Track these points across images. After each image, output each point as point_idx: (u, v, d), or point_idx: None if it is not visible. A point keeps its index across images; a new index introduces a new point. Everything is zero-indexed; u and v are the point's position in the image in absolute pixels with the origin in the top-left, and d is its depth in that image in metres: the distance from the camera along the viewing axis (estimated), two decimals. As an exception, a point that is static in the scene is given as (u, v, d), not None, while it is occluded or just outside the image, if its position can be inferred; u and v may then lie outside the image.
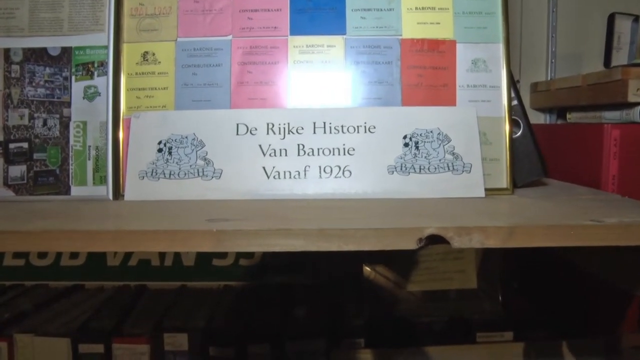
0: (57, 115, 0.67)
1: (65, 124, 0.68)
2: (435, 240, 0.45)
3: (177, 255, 0.96)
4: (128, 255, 0.96)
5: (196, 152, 0.64)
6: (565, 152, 0.79)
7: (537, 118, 0.96)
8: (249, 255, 0.95)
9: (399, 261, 0.83)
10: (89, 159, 0.67)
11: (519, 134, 0.71)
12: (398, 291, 0.82)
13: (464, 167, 0.63)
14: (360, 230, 0.45)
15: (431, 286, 0.81)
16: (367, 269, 0.86)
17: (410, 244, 0.45)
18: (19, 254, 0.96)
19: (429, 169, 0.63)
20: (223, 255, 0.96)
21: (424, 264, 0.82)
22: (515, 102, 0.70)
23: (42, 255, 0.97)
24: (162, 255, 0.96)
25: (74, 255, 0.97)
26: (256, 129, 0.65)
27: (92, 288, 0.97)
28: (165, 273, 0.96)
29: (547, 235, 0.46)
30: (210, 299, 0.89)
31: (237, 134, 0.65)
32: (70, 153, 0.67)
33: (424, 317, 0.79)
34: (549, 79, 0.96)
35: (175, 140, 0.65)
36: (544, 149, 0.70)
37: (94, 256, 0.96)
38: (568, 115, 0.87)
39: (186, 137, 0.65)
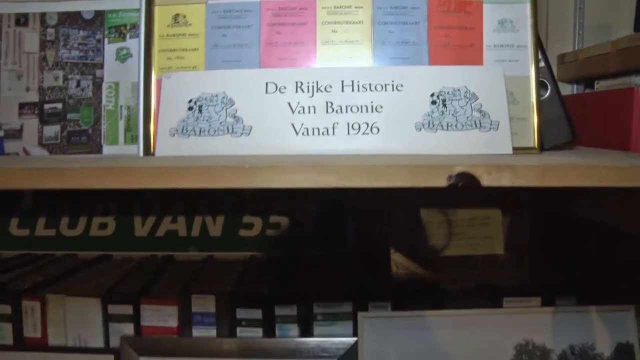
0: (90, 77, 0.69)
1: (98, 85, 0.69)
2: (465, 177, 0.46)
3: (203, 225, 0.97)
4: (156, 226, 0.98)
5: (226, 110, 0.65)
6: (593, 120, 0.79)
7: (565, 90, 0.95)
8: (276, 225, 0.96)
9: (427, 227, 0.83)
10: (121, 119, 0.69)
11: (546, 95, 0.70)
12: (425, 257, 0.82)
13: (491, 124, 0.63)
14: (392, 166, 0.45)
15: (458, 252, 0.81)
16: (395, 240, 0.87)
17: (441, 181, 0.46)
18: (50, 224, 0.98)
19: (456, 126, 0.63)
20: (249, 226, 0.97)
21: (451, 230, 0.82)
22: (542, 64, 0.70)
23: (72, 225, 0.99)
24: (189, 225, 0.97)
25: (102, 225, 0.99)
26: (285, 88, 0.65)
27: (119, 258, 0.98)
28: (192, 243, 0.97)
29: (578, 175, 0.46)
30: (237, 268, 0.90)
31: (267, 92, 0.65)
32: (103, 113, 0.69)
33: (451, 283, 0.79)
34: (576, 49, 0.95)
35: (205, 99, 0.66)
36: (572, 119, 0.70)
37: (122, 226, 0.98)
38: (596, 85, 0.86)
39: (216, 96, 0.66)
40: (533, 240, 0.89)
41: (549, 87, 0.70)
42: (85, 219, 0.99)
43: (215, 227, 0.97)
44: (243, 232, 0.97)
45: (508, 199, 0.88)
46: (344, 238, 0.95)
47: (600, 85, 0.84)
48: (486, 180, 0.46)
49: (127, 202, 0.98)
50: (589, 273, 0.82)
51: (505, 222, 0.83)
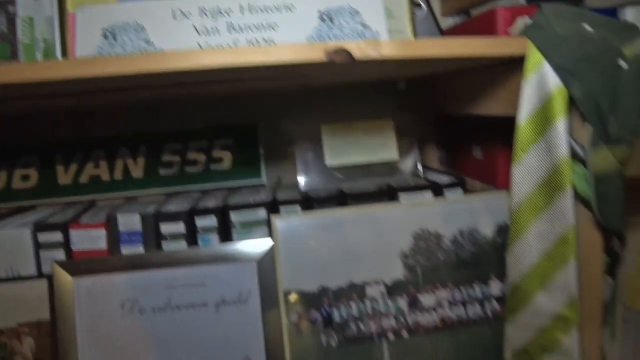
0: (4, 13, 0.74)
1: (12, 21, 0.74)
2: (340, 53, 0.56)
3: (125, 169, 1.03)
4: (79, 173, 1.03)
5: (138, 36, 0.72)
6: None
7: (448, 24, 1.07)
8: (193, 162, 1.03)
9: (328, 138, 0.93)
10: (39, 52, 0.74)
11: (423, 15, 0.82)
12: (328, 165, 0.92)
13: (373, 34, 0.73)
14: (280, 46, 0.54)
15: (358, 160, 0.92)
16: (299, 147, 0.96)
17: (320, 56, 0.55)
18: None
19: (342, 37, 0.73)
20: (169, 164, 1.04)
21: (350, 140, 0.92)
22: (418, -10, 0.81)
23: (-7, 179, 1.02)
24: (111, 170, 1.03)
25: (25, 178, 1.02)
26: (191, 13, 0.73)
27: (44, 207, 1.02)
28: (116, 186, 1.03)
29: (436, 47, 0.57)
30: (158, 203, 0.97)
31: (175, 19, 0.73)
32: (20, 47, 0.74)
33: (352, 187, 0.89)
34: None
35: (119, 27, 0.73)
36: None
37: (45, 177, 1.02)
38: (472, 12, 0.98)
39: (129, 24, 0.73)
40: (424, 143, 1.01)
41: (423, 7, 0.82)
42: (6, 172, 1.02)
43: (137, 168, 1.03)
44: (163, 172, 1.03)
45: (399, 108, 1.00)
46: (259, 170, 1.04)
47: (474, 13, 0.96)
48: (358, 54, 0.56)
49: (49, 153, 1.02)
50: (473, 167, 0.95)
51: (399, 130, 0.94)
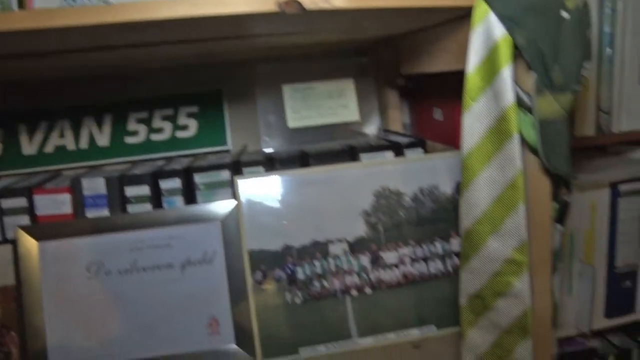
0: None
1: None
2: (291, 4, 0.57)
3: (91, 137, 1.03)
4: (44, 143, 1.03)
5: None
6: None
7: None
8: (159, 130, 1.04)
9: (289, 99, 0.94)
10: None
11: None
12: (289, 127, 0.93)
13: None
14: (232, -5, 0.55)
15: (320, 121, 0.93)
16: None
17: (272, 7, 0.56)
18: None
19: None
20: (134, 133, 1.04)
21: (311, 102, 0.93)
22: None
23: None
24: (76, 138, 1.03)
25: (-12, 147, 1.02)
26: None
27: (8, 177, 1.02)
28: (81, 155, 1.03)
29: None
30: (124, 169, 0.97)
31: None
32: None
33: (314, 148, 0.91)
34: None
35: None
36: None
37: (9, 147, 1.02)
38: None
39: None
40: (385, 107, 1.03)
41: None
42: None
43: (102, 137, 1.03)
44: (129, 140, 1.04)
45: (359, 70, 1.01)
46: (224, 136, 1.05)
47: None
48: (308, 4, 0.57)
49: (12, 123, 1.02)
50: (434, 129, 0.97)
51: (360, 94, 0.96)
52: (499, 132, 0.62)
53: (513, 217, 0.63)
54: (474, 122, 0.63)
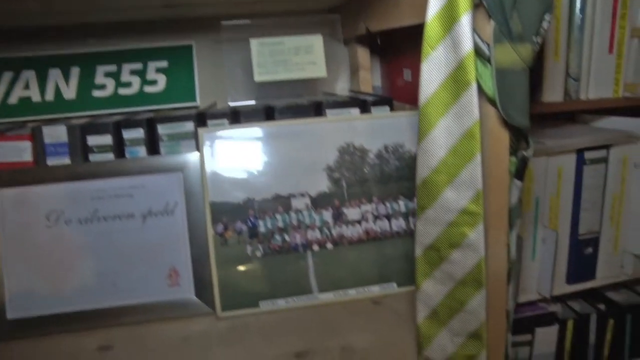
0: None
1: None
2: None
3: (57, 90, 1.02)
4: (7, 94, 1.01)
5: None
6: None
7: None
8: (127, 84, 1.02)
9: (256, 53, 0.93)
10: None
11: None
12: (256, 80, 0.92)
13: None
14: None
15: (286, 76, 0.93)
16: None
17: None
18: None
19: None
20: (102, 86, 1.02)
21: (279, 57, 0.93)
22: None
23: None
24: (42, 90, 1.01)
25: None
26: None
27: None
28: (47, 108, 1.02)
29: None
30: (90, 119, 0.96)
31: None
32: None
33: (280, 102, 0.90)
34: None
35: None
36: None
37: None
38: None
39: None
40: (353, 65, 1.02)
41: None
42: None
43: (69, 90, 1.02)
44: (96, 93, 1.02)
45: (329, 27, 1.01)
46: (193, 92, 1.04)
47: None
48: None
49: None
50: (403, 90, 0.96)
51: (327, 49, 0.95)
52: (456, 81, 0.62)
53: (469, 167, 0.63)
54: (432, 70, 0.63)
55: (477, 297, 0.67)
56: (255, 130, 0.83)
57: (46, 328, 0.80)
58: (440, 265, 0.67)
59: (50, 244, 0.82)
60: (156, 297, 0.83)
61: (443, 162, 0.63)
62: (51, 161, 0.83)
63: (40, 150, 0.83)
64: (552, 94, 1.00)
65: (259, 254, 0.83)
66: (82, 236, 0.82)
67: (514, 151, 0.67)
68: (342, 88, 1.01)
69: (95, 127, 0.83)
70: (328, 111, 0.87)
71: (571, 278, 1.07)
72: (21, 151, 0.83)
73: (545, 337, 1.09)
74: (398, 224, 0.86)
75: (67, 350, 0.76)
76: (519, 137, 0.67)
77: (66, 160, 0.84)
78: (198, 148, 0.83)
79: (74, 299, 0.82)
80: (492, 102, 0.62)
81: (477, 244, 0.65)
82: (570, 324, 1.09)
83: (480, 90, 0.62)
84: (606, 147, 1.00)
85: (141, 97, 1.01)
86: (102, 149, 0.83)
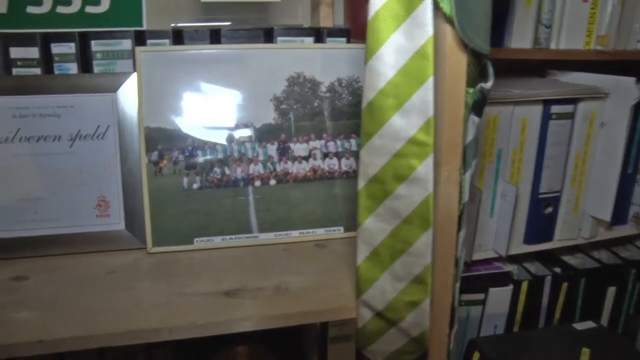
0: None
1: None
2: None
3: (-12, 4, 0.93)
4: None
5: None
6: None
7: None
8: (68, 2, 0.94)
9: None
10: None
11: None
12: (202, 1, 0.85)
13: None
14: None
15: None
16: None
17: None
18: None
19: None
20: (38, 2, 0.93)
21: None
22: None
23: None
24: (-28, 4, 0.92)
25: None
26: None
27: None
28: (-23, 23, 0.93)
29: None
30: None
31: None
32: None
33: (227, 26, 0.83)
34: None
35: None
36: None
37: None
38: None
39: None
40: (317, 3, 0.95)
41: None
42: None
43: (0, 3, 0.93)
44: (31, 9, 0.93)
45: None
46: (140, 15, 0.96)
47: None
48: None
49: None
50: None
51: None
52: (410, -7, 0.56)
53: (420, 91, 0.58)
54: (384, -21, 0.57)
55: (422, 237, 0.62)
56: (198, 53, 0.76)
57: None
58: (384, 201, 0.62)
59: (-34, 164, 0.74)
60: (83, 227, 0.76)
61: (391, 83, 0.58)
62: (-31, 73, 0.75)
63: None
64: (521, 40, 0.94)
65: (195, 186, 0.77)
66: (1, 157, 0.74)
67: (472, 82, 0.62)
68: (299, 21, 0.94)
69: (20, 39, 0.75)
70: (279, 38, 0.80)
71: (529, 238, 1.03)
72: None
73: (499, 297, 1.06)
74: (348, 163, 0.81)
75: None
76: (477, 66, 0.61)
77: (-14, 73, 0.76)
78: (135, 69, 0.76)
79: (-8, 225, 0.74)
80: (449, 19, 0.56)
81: (425, 179, 0.60)
82: (524, 286, 1.06)
83: (437, 6, 0.56)
84: (574, 101, 0.96)
85: (82, 17, 0.92)
86: (27, 62, 0.76)
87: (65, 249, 0.76)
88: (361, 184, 0.63)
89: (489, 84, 0.63)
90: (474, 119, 0.65)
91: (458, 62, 0.59)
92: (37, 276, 0.70)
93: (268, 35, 0.80)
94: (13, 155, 0.75)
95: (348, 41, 0.83)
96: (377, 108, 0.59)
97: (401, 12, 0.56)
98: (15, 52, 0.75)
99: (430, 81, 0.57)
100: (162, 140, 0.75)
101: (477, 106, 0.64)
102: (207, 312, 0.62)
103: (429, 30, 0.55)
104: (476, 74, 0.62)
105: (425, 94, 0.57)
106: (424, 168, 0.59)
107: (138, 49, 0.75)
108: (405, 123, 0.59)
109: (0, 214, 0.75)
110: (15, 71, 0.76)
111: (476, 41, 0.57)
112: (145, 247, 0.76)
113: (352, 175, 0.80)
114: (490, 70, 0.63)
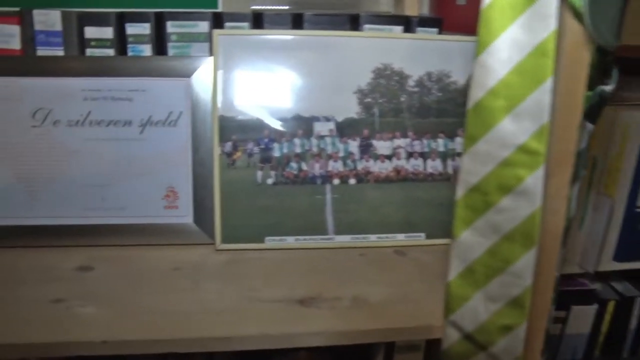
0: None
1: None
2: None
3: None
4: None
5: None
6: None
7: None
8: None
9: None
10: None
11: None
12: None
13: None
14: None
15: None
16: None
17: None
18: None
19: None
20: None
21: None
22: None
23: None
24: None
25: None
26: None
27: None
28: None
29: None
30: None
31: None
32: None
33: (312, 11, 0.77)
34: None
35: None
36: None
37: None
38: None
39: None
40: None
41: None
42: None
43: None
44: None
45: None
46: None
47: None
48: None
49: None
50: (456, 17, 0.83)
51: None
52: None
53: (536, 93, 0.50)
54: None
55: (525, 257, 0.55)
56: (279, 39, 0.71)
57: (22, 240, 0.71)
58: (485, 213, 0.55)
59: (35, 146, 0.71)
60: (149, 218, 0.72)
61: (504, 82, 0.51)
62: (42, 52, 0.72)
63: (29, 37, 0.72)
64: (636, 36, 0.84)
65: (270, 181, 0.72)
66: (70, 141, 0.71)
67: (590, 84, 0.54)
68: (382, 8, 0.87)
69: (94, 18, 0.71)
70: (366, 26, 0.74)
71: (620, 255, 0.94)
72: (8, 36, 0.72)
73: (581, 316, 0.97)
74: (434, 165, 0.74)
75: (43, 265, 0.67)
76: (599, 65, 0.53)
77: (58, 52, 0.72)
78: (211, 53, 0.71)
79: (58, 210, 0.71)
80: (577, 13, 0.48)
81: (534, 192, 0.52)
82: (611, 306, 0.97)
83: (564, -3, 0.48)
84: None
85: (157, -1, 0.88)
86: (101, 42, 0.72)
87: (130, 239, 0.72)
88: (460, 192, 0.56)
89: (610, 87, 0.55)
90: (588, 126, 0.57)
91: (579, 61, 0.51)
92: (101, 267, 0.67)
93: (354, 23, 0.74)
94: (82, 139, 0.71)
95: (440, 32, 0.76)
96: (484, 109, 0.52)
97: (520, 2, 0.49)
98: (89, 32, 0.71)
99: (548, 82, 0.49)
100: (237, 131, 0.70)
101: (593, 111, 0.56)
102: (281, 321, 0.57)
103: (552, 23, 0.48)
104: (595, 75, 0.54)
105: (541, 96, 0.50)
106: (534, 179, 0.52)
107: (215, 31, 0.70)
108: (515, 128, 0.51)
109: (66, 200, 0.71)
110: (89, 52, 0.72)
111: (606, 36, 0.49)
112: (213, 242, 0.71)
113: (437, 178, 0.74)
114: (614, 70, 0.55)
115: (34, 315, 0.56)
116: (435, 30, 0.75)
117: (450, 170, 0.74)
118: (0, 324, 0.55)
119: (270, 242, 0.71)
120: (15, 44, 0.72)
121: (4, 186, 0.71)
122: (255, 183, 0.71)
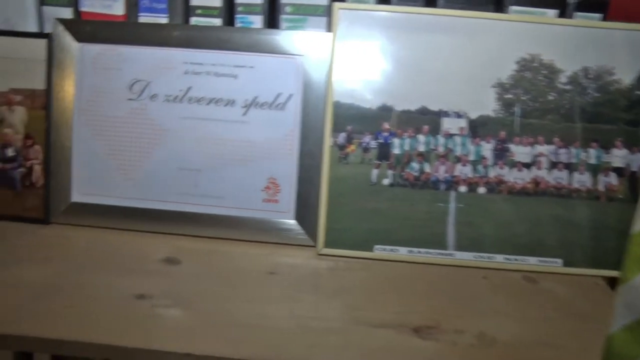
0: None
1: None
2: None
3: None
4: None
5: None
6: None
7: None
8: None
9: None
10: None
11: None
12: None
13: None
14: None
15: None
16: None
17: None
18: None
19: None
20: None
21: None
22: None
23: None
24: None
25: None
26: None
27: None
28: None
29: None
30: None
31: None
32: None
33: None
34: None
35: None
36: None
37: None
38: None
39: None
40: None
41: None
42: None
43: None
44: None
45: None
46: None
47: None
48: None
49: None
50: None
51: None
52: None
53: None
54: None
55: None
56: (408, 17, 0.61)
57: (109, 220, 0.65)
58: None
59: (130, 121, 0.65)
60: (246, 211, 0.65)
61: None
62: (144, 18, 0.65)
63: (133, 3, 0.65)
64: None
65: (386, 182, 0.62)
66: (167, 118, 0.65)
67: None
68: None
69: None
70: (512, 7, 0.62)
71: None
72: (111, 2, 0.66)
73: None
74: (581, 179, 0.62)
75: (129, 252, 0.61)
76: None
77: (162, 20, 0.65)
78: (329, 29, 0.62)
79: (149, 192, 0.66)
80: None
81: None
82: None
83: None
84: None
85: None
86: (208, 11, 0.65)
87: (222, 232, 0.65)
88: (638, 226, 0.44)
89: None
90: None
91: None
92: (189, 261, 0.60)
93: (498, 3, 0.63)
94: (180, 117, 0.64)
95: (604, 18, 0.63)
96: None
97: None
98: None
99: None
100: (353, 121, 0.61)
101: None
102: (391, 353, 0.47)
103: None
104: None
105: None
106: None
107: (336, 4, 0.61)
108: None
109: (157, 182, 0.65)
110: (194, 20, 0.65)
111: None
112: (314, 245, 0.63)
113: (583, 196, 0.62)
114: None
115: (114, 311, 0.50)
116: (598, 16, 0.63)
117: (601, 187, 0.62)
118: (74, 316, 0.49)
119: (380, 251, 0.62)
120: (119, 10, 0.66)
121: (96, 162, 0.65)
122: (369, 182, 0.62)
